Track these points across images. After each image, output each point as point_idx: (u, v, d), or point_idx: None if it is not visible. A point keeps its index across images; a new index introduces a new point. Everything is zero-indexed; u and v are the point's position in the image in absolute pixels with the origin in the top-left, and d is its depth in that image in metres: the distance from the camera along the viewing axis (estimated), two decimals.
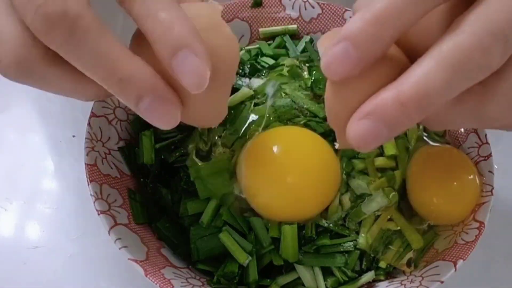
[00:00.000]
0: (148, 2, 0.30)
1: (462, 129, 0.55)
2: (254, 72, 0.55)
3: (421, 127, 0.55)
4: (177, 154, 0.51)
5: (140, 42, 0.33)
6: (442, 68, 0.27)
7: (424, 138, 0.55)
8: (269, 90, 0.52)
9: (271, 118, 0.50)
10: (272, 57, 0.58)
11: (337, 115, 0.31)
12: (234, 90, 0.53)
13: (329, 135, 0.49)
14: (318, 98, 0.52)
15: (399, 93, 0.27)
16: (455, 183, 0.49)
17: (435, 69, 0.27)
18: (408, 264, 0.48)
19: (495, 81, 0.29)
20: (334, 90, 0.31)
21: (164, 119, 0.30)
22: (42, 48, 0.29)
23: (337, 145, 0.35)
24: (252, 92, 0.52)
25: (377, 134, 0.27)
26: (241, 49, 0.59)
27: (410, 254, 0.49)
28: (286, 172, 0.45)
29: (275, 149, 0.46)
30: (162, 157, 0.51)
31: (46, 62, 0.30)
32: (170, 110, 0.30)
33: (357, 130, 0.28)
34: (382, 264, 0.48)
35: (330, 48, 0.29)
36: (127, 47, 0.31)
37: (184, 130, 0.52)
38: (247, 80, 0.54)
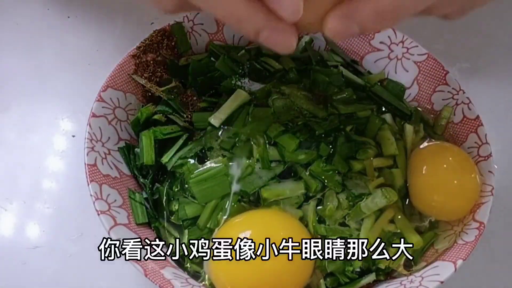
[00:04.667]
0: None
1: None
2: (254, 72, 0.55)
3: (421, 128, 0.55)
4: (175, 159, 0.50)
5: None
6: None
7: (424, 136, 0.55)
8: (234, 170, 0.48)
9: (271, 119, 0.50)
10: (271, 57, 0.58)
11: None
12: (233, 90, 0.53)
13: (329, 135, 0.49)
14: (317, 98, 0.52)
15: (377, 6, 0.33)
16: (455, 178, 0.49)
17: None
18: (405, 265, 0.48)
19: None
20: None
21: (281, 45, 0.35)
22: None
23: None
24: (250, 97, 0.52)
25: (350, 33, 0.34)
26: (241, 49, 0.59)
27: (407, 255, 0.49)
28: (256, 269, 0.43)
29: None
30: (161, 161, 0.51)
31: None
32: (285, 38, 0.35)
33: (336, 27, 0.34)
34: (382, 265, 0.48)
35: None
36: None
37: (185, 131, 0.52)
38: (246, 81, 0.54)
